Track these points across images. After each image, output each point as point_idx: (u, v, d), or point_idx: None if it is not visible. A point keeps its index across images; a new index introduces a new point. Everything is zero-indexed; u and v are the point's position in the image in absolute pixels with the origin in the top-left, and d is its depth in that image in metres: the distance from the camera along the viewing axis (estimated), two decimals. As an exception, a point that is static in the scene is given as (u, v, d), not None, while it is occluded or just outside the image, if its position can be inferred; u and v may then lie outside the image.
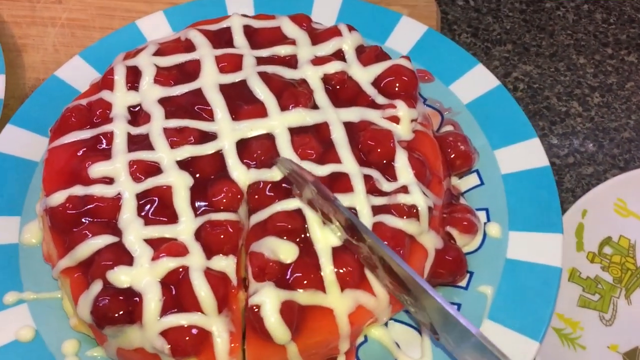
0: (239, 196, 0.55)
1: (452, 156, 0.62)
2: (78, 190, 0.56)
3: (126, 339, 0.52)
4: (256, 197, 0.55)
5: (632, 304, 0.61)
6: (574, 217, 0.63)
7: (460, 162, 0.62)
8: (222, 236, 0.53)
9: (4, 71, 0.73)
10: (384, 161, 0.57)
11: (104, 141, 0.59)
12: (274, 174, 0.55)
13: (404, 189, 0.55)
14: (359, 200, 0.54)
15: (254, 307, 0.50)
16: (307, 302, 0.50)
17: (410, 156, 0.57)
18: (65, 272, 0.54)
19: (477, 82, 0.68)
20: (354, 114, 0.59)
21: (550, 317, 0.54)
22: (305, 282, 0.50)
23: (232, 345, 0.51)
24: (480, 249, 0.59)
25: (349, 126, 0.58)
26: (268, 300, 0.49)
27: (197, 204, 0.55)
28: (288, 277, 0.51)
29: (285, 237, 0.52)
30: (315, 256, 0.52)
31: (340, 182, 0.55)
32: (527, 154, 0.63)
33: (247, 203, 0.55)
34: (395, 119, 0.59)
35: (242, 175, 0.55)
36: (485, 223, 0.60)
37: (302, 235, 0.53)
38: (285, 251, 0.52)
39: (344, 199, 0.53)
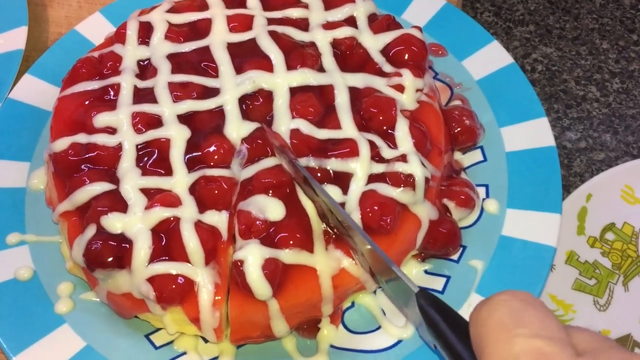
0: (230, 152, 0.55)
1: (456, 130, 0.61)
2: (81, 138, 0.57)
3: (115, 284, 0.53)
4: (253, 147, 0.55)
5: (629, 291, 0.60)
6: (577, 200, 0.62)
7: (464, 137, 0.61)
8: (216, 191, 0.54)
9: (27, 23, 0.75)
10: (384, 128, 0.56)
11: (111, 92, 0.60)
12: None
13: (403, 158, 0.55)
14: (362, 166, 0.54)
15: (238, 262, 0.50)
16: (291, 261, 0.51)
17: (412, 125, 0.57)
18: (64, 216, 0.56)
19: (490, 58, 0.67)
20: (360, 79, 0.59)
21: (539, 295, 0.53)
22: (291, 241, 0.51)
23: (217, 297, 0.52)
24: (476, 224, 0.59)
25: (352, 91, 0.58)
26: (251, 256, 0.50)
27: (191, 156, 0.56)
28: (274, 235, 0.51)
29: (271, 194, 0.53)
30: (303, 215, 0.52)
31: (344, 145, 0.55)
32: (534, 133, 0.62)
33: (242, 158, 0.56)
34: (400, 88, 0.59)
35: (234, 131, 0.56)
36: (483, 199, 0.59)
37: (289, 191, 0.53)
38: (272, 210, 0.52)
39: (347, 163, 0.54)
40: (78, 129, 0.58)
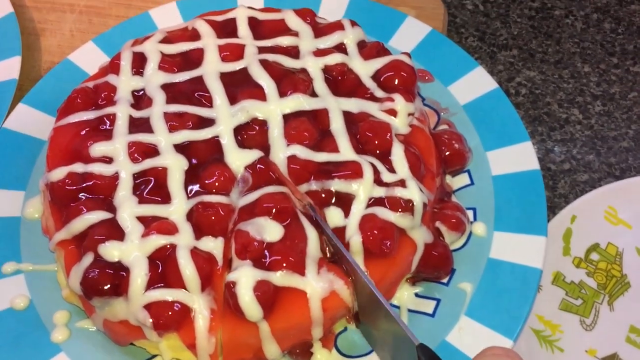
0: (231, 180, 0.57)
1: (446, 154, 0.63)
2: (78, 167, 0.58)
3: (112, 311, 0.54)
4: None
5: (615, 311, 0.61)
6: (562, 221, 0.64)
7: (454, 160, 0.63)
8: (212, 217, 0.55)
9: (20, 53, 0.76)
10: (379, 152, 0.58)
11: (107, 122, 0.61)
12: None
13: (402, 183, 0.56)
14: (364, 188, 0.55)
15: (231, 284, 0.51)
16: (282, 284, 0.52)
17: (407, 149, 0.58)
18: (61, 245, 0.57)
19: (475, 83, 0.69)
20: (353, 104, 0.61)
21: (526, 317, 0.55)
22: (283, 264, 0.52)
23: (213, 323, 0.53)
24: (465, 247, 0.60)
25: (347, 115, 0.60)
26: (244, 278, 0.51)
27: (191, 187, 0.57)
28: (267, 258, 0.52)
29: (272, 218, 0.54)
30: (301, 240, 0.53)
31: (347, 167, 0.56)
32: (519, 157, 0.63)
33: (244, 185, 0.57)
34: (393, 112, 0.60)
35: (236, 160, 0.57)
36: (471, 222, 0.61)
37: (291, 218, 0.54)
38: (270, 231, 0.53)
39: (350, 185, 0.55)
40: (74, 158, 0.59)
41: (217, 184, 0.57)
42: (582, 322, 0.61)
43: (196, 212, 0.55)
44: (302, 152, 0.57)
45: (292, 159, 0.57)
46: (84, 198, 0.57)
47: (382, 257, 0.54)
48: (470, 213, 0.62)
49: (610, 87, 0.78)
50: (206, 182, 0.57)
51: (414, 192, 0.55)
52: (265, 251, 0.53)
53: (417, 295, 0.58)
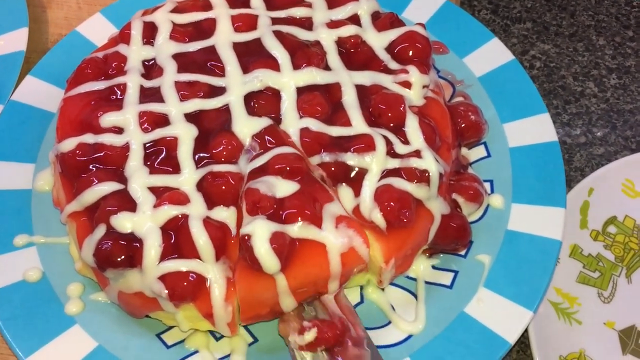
0: (238, 148, 0.56)
1: (462, 125, 0.62)
2: (88, 138, 0.57)
3: (126, 283, 0.53)
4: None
5: (633, 283, 0.61)
6: (580, 194, 0.63)
7: (470, 132, 0.62)
8: (223, 187, 0.54)
9: (27, 24, 0.74)
10: (392, 125, 0.57)
11: (117, 92, 0.60)
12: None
13: (417, 153, 0.55)
14: (377, 160, 0.54)
15: (245, 237, 0.50)
16: (299, 236, 0.51)
17: (421, 121, 0.57)
18: (72, 217, 0.56)
19: (491, 55, 0.68)
20: (366, 77, 0.60)
21: (546, 288, 0.54)
22: (299, 217, 0.51)
23: (229, 291, 0.52)
24: (482, 219, 0.59)
25: (360, 89, 0.59)
26: (260, 230, 0.50)
27: (199, 156, 0.56)
28: (282, 212, 0.51)
29: (284, 177, 0.53)
30: (317, 193, 0.53)
31: (360, 140, 0.55)
32: (536, 129, 0.63)
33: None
34: (407, 84, 0.59)
35: (244, 127, 0.56)
36: (488, 194, 0.60)
37: (304, 176, 0.53)
38: (282, 188, 0.52)
39: (363, 158, 0.54)
40: (85, 129, 0.58)
41: (225, 152, 0.55)
42: (600, 294, 0.60)
43: (206, 183, 0.54)
44: (314, 125, 0.56)
45: (304, 131, 0.56)
46: (94, 169, 0.57)
47: (400, 228, 0.53)
48: (487, 185, 0.61)
49: (626, 60, 0.77)
50: (214, 151, 0.56)
51: (430, 162, 0.54)
52: (278, 206, 0.52)
53: (434, 267, 0.58)
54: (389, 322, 0.55)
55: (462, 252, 0.58)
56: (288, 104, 0.57)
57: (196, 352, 0.55)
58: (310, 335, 0.51)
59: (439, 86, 0.64)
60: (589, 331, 0.58)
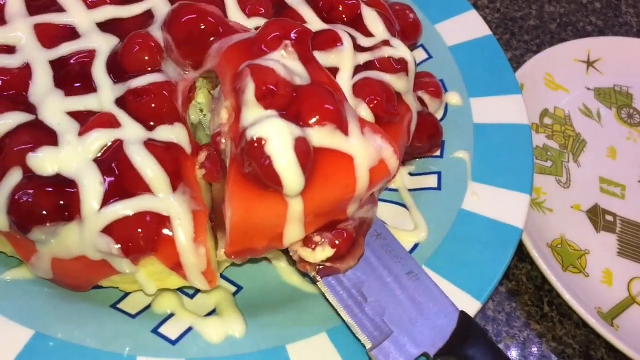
0: (158, 49, 0.44)
1: (402, 25, 0.57)
2: (-30, 65, 0.42)
3: (62, 244, 0.40)
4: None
5: (582, 166, 0.61)
6: (514, 90, 0.62)
7: (410, 31, 0.57)
8: (153, 105, 0.42)
9: None
10: (347, 18, 0.50)
11: (-7, 8, 0.45)
12: None
13: (386, 43, 0.49)
14: (346, 57, 0.46)
15: (255, 142, 0.38)
16: (322, 144, 0.39)
17: (377, 11, 0.51)
18: (-32, 167, 0.41)
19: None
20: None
21: (532, 169, 0.51)
22: (319, 116, 0.39)
23: (198, 229, 0.40)
24: (445, 117, 0.55)
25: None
26: (278, 133, 0.37)
27: (114, 72, 0.44)
28: (296, 107, 0.39)
29: (289, 53, 0.42)
30: (333, 84, 0.42)
31: (323, 38, 0.47)
32: (468, 26, 0.60)
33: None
34: None
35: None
36: (444, 93, 0.56)
37: (309, 59, 0.43)
38: (296, 70, 0.41)
39: (329, 56, 0.46)
40: (-40, 57, 0.43)
41: (146, 57, 0.43)
42: (559, 181, 0.59)
43: (130, 105, 0.42)
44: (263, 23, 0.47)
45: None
46: (-13, 102, 0.42)
47: (387, 124, 0.46)
48: (439, 86, 0.57)
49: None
50: (127, 56, 0.43)
51: (404, 50, 0.49)
52: (294, 100, 0.39)
53: (411, 174, 0.52)
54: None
55: (438, 153, 0.53)
56: (231, 4, 0.48)
57: (172, 315, 0.43)
58: (323, 253, 0.42)
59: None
60: (561, 218, 0.57)
